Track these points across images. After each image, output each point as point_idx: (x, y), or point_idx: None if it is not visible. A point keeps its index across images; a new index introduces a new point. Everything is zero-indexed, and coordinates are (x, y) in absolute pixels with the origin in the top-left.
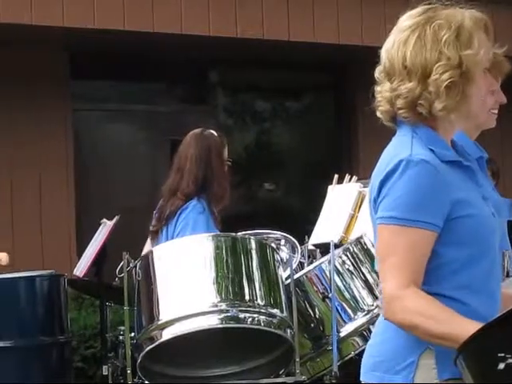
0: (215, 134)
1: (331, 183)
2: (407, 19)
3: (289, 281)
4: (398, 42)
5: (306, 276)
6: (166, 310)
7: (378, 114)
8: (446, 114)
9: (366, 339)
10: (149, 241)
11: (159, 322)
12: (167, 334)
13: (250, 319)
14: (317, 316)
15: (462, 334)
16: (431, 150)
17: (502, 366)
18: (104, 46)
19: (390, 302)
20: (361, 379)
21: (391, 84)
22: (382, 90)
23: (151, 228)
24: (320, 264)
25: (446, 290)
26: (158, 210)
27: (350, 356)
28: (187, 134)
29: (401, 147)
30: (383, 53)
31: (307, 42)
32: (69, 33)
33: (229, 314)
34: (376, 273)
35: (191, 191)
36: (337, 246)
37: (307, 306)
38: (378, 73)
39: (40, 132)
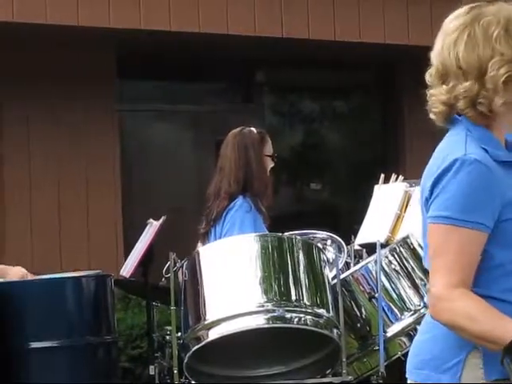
0: (254, 131)
1: (377, 183)
2: (453, 20)
3: (335, 281)
4: (448, 44)
5: (353, 276)
6: (213, 309)
7: (432, 116)
8: (507, 109)
9: (412, 339)
10: (199, 244)
11: (206, 322)
12: (214, 334)
13: (297, 319)
14: (363, 316)
15: (507, 337)
16: (484, 149)
17: None
18: (150, 47)
19: (438, 302)
20: (406, 376)
21: (447, 86)
22: (436, 93)
23: (201, 230)
24: (366, 264)
25: (496, 292)
26: (205, 212)
27: (397, 356)
28: None
29: (455, 146)
30: (433, 57)
31: (353, 41)
32: (115, 34)
33: (275, 314)
34: (424, 271)
35: (234, 191)
36: (383, 246)
37: (353, 305)
38: (429, 77)
39: (86, 132)
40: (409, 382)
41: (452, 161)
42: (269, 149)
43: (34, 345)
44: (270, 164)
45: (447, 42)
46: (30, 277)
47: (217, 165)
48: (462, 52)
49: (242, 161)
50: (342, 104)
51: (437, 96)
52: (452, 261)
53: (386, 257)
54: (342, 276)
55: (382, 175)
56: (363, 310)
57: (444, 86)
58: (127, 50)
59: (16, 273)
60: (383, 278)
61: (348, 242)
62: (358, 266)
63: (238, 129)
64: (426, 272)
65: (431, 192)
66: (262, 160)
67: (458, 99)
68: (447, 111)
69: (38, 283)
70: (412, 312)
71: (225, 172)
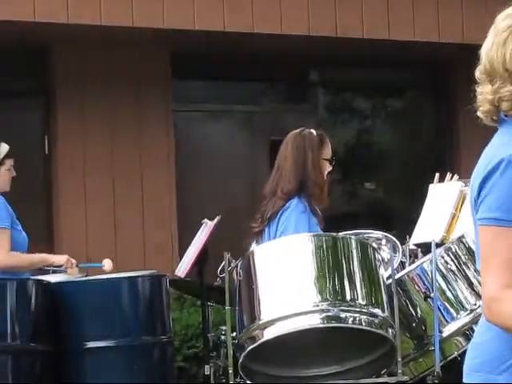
0: (314, 133)
1: (432, 182)
2: (505, 18)
3: (390, 280)
4: (497, 44)
5: (408, 276)
6: (268, 309)
7: (479, 114)
8: None
9: (469, 339)
10: (254, 243)
11: (260, 322)
12: (269, 334)
13: (352, 319)
14: (419, 316)
15: None
16: None
17: None
18: (204, 47)
19: (490, 303)
20: (463, 380)
21: (492, 86)
22: (484, 92)
23: (255, 229)
24: (422, 263)
25: None
26: (260, 210)
27: (453, 356)
28: (287, 133)
29: (501, 146)
30: (483, 54)
31: (407, 40)
32: (169, 34)
33: (330, 314)
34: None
35: (290, 191)
36: (438, 246)
37: (409, 305)
38: (478, 74)
39: (141, 132)
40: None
41: (498, 161)
42: (327, 152)
43: (90, 345)
44: (328, 167)
45: (497, 41)
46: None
47: (274, 164)
48: (509, 53)
49: (300, 162)
50: (396, 103)
51: (484, 95)
52: (503, 262)
53: (442, 256)
54: (398, 276)
55: (437, 174)
56: (418, 309)
57: (490, 86)
58: (181, 50)
59: (59, 259)
60: (439, 278)
61: (403, 242)
62: (413, 266)
63: (299, 129)
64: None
65: (479, 193)
66: (319, 163)
67: (502, 101)
68: (494, 110)
69: (94, 283)
70: (468, 311)
71: (283, 172)
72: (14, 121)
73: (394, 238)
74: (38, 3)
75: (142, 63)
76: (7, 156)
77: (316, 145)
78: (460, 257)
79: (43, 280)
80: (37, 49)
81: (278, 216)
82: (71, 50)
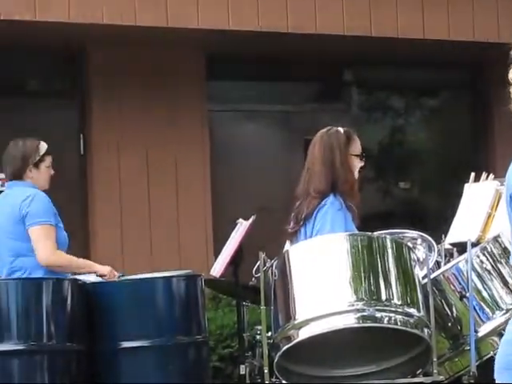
0: (341, 130)
1: (468, 181)
2: None
3: (425, 280)
4: None
5: (443, 275)
6: (303, 309)
7: None
8: None
9: None
10: (288, 243)
11: (296, 322)
12: (304, 334)
13: (387, 318)
14: (454, 315)
15: None
16: None
17: None
18: (239, 47)
19: None
20: (495, 377)
21: None
22: None
23: (290, 230)
24: (457, 263)
25: None
26: (294, 212)
27: (489, 356)
28: None
29: None
30: None
31: (442, 39)
32: (204, 34)
33: (365, 314)
34: None
35: (323, 189)
36: (474, 245)
37: (444, 305)
38: (511, 75)
39: (176, 132)
40: (497, 382)
41: None
42: (355, 148)
43: (125, 344)
44: (359, 163)
45: None
46: (116, 276)
47: (305, 164)
48: None
49: (328, 162)
50: (431, 102)
51: None
52: None
53: (477, 256)
54: (433, 275)
55: (473, 174)
56: (454, 309)
57: None
58: (217, 51)
59: (103, 269)
60: (474, 278)
61: (438, 241)
62: (448, 265)
63: (325, 129)
64: None
65: None
66: (347, 160)
67: None
68: None
69: (129, 283)
70: (504, 311)
71: (313, 171)
72: (50, 121)
73: (430, 238)
74: (73, 4)
75: (177, 63)
76: (47, 153)
77: (343, 142)
78: (496, 256)
79: (79, 280)
80: (73, 49)
81: (313, 215)
82: (106, 50)
